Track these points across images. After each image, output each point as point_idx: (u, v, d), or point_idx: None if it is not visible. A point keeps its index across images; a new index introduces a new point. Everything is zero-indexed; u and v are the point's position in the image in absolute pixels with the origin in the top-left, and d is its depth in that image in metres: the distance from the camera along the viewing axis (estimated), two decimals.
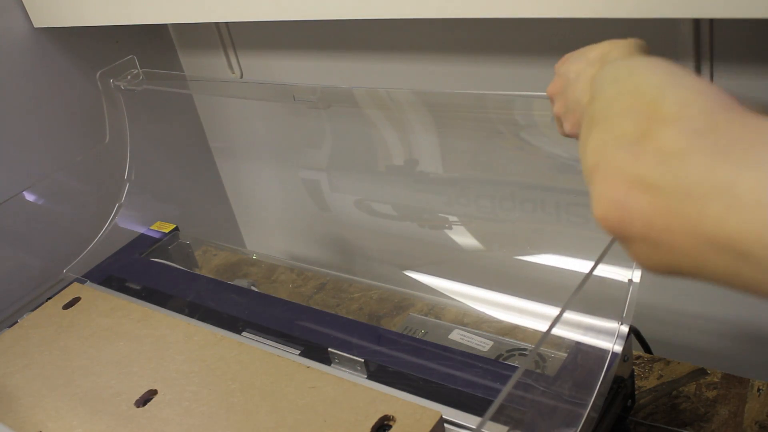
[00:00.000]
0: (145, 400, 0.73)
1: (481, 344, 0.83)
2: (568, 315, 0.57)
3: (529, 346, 0.82)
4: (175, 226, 1.09)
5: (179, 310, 0.90)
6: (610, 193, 0.34)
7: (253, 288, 1.02)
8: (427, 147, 1.07)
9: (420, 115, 1.04)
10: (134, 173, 1.16)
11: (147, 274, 1.00)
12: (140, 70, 1.06)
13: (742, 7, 0.54)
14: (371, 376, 0.73)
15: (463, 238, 1.06)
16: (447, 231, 1.08)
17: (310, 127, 1.24)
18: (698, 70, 0.78)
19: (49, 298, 0.96)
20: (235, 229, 1.52)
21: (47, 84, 1.13)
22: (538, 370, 0.75)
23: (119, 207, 1.13)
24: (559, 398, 0.65)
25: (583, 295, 0.57)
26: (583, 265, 0.75)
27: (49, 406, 0.76)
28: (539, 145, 0.90)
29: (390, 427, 0.62)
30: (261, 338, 0.83)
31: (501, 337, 0.84)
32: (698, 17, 0.73)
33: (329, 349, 0.76)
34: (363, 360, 0.73)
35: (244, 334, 0.84)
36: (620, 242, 0.36)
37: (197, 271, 1.10)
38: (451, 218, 1.07)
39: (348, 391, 0.68)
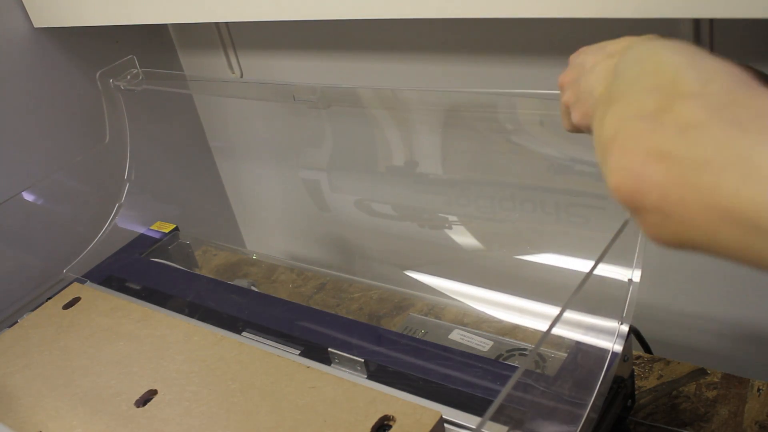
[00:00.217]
0: (145, 400, 0.73)
1: (481, 344, 0.83)
2: (568, 315, 0.57)
3: (529, 346, 0.82)
4: (175, 226, 1.09)
5: (179, 310, 0.90)
6: (626, 163, 0.34)
7: (253, 288, 1.02)
8: (427, 147, 1.07)
9: (420, 115, 1.04)
10: (134, 173, 1.16)
11: (147, 274, 1.00)
12: (140, 70, 1.06)
13: (742, 7, 0.54)
14: (371, 376, 0.73)
15: (463, 238, 1.06)
16: (447, 231, 1.08)
17: (310, 127, 1.24)
18: None
19: (49, 298, 0.96)
20: (235, 229, 1.52)
21: (47, 84, 1.13)
22: (538, 370, 0.75)
23: (119, 207, 1.13)
24: (559, 398, 0.65)
25: (583, 294, 0.57)
26: (583, 265, 0.75)
27: (49, 406, 0.76)
28: (539, 146, 0.90)
29: (390, 427, 0.62)
30: (261, 338, 0.83)
31: (501, 337, 0.84)
32: (698, 17, 0.73)
33: (329, 349, 0.76)
34: (363, 360, 0.73)
35: (244, 334, 0.84)
36: (632, 213, 0.35)
37: (197, 271, 1.10)
38: (451, 218, 1.07)
39: (348, 391, 0.68)
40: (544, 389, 0.66)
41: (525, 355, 0.80)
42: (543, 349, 0.77)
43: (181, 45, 1.33)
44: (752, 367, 0.93)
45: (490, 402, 0.59)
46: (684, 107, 0.33)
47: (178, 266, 1.04)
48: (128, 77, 1.06)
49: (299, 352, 0.79)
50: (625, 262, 0.63)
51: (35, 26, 1.10)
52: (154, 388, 0.75)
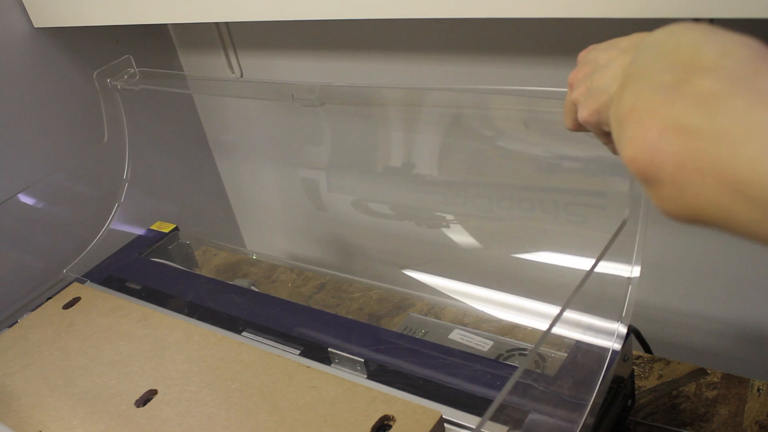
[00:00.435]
0: (145, 400, 0.73)
1: (481, 344, 0.83)
2: (568, 314, 0.57)
3: (529, 345, 0.82)
4: (175, 226, 1.09)
5: (179, 310, 0.90)
6: (643, 134, 0.34)
7: (253, 288, 1.02)
8: (425, 146, 1.07)
9: (419, 114, 1.04)
10: (134, 173, 1.16)
11: (147, 274, 1.00)
12: (137, 70, 1.06)
13: (742, 7, 0.54)
14: (371, 376, 0.73)
15: (462, 237, 1.06)
16: (445, 230, 1.08)
17: (310, 126, 1.24)
18: None
19: (49, 298, 0.96)
20: (235, 229, 1.52)
21: (47, 84, 1.13)
22: (538, 370, 0.75)
23: (119, 207, 1.13)
24: (559, 398, 0.65)
25: (583, 294, 0.57)
26: (582, 264, 0.75)
27: (49, 406, 0.76)
28: (537, 144, 0.90)
29: (390, 427, 0.62)
30: (261, 338, 0.83)
31: (501, 337, 0.84)
32: (698, 17, 0.73)
33: (329, 349, 0.76)
34: (363, 360, 0.73)
35: (244, 334, 0.84)
36: (646, 186, 0.35)
37: (197, 271, 1.10)
38: (449, 217, 1.07)
39: (348, 391, 0.68)
40: (543, 389, 0.66)
41: (525, 354, 0.80)
42: (543, 349, 0.77)
43: (181, 45, 1.33)
44: (752, 367, 0.93)
45: (490, 402, 0.59)
46: (702, 79, 0.33)
47: (178, 266, 1.04)
48: (125, 77, 1.06)
49: (299, 352, 0.79)
50: (625, 260, 0.63)
51: (35, 26, 1.10)
52: (154, 388, 0.75)
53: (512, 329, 0.88)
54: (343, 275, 1.11)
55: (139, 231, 1.11)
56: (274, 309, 0.87)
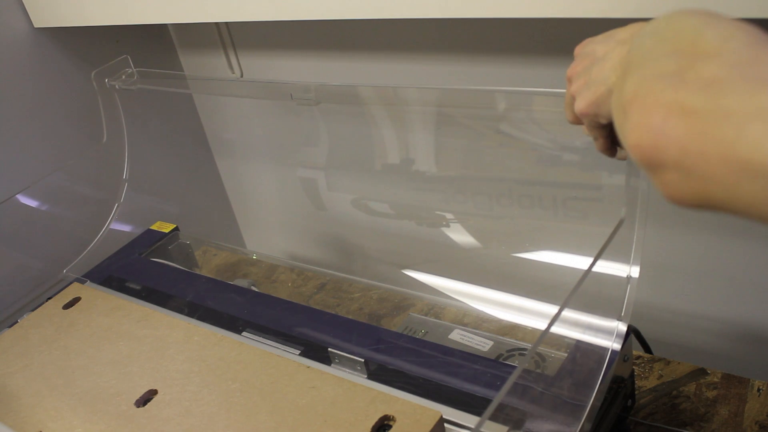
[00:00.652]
0: (145, 400, 0.73)
1: (481, 344, 0.83)
2: (567, 313, 0.57)
3: (529, 345, 0.82)
4: (175, 226, 1.09)
5: (179, 310, 0.90)
6: (646, 119, 0.34)
7: (253, 288, 1.02)
8: (424, 144, 1.07)
9: (417, 113, 1.04)
10: (134, 173, 1.16)
11: (147, 274, 1.00)
12: (134, 70, 1.07)
13: (742, 7, 0.54)
14: (371, 376, 0.73)
15: (461, 236, 1.06)
16: (445, 229, 1.08)
17: (309, 126, 1.24)
18: None
19: (49, 298, 0.96)
20: (235, 229, 1.52)
21: (47, 84, 1.13)
22: (538, 370, 0.75)
23: (118, 207, 1.13)
24: (559, 398, 0.65)
25: (582, 293, 0.57)
26: (582, 262, 0.75)
27: (49, 406, 0.76)
28: (535, 141, 0.90)
29: (390, 427, 0.62)
30: (261, 338, 0.83)
31: (501, 337, 0.84)
32: None
33: (329, 349, 0.76)
34: (363, 360, 0.73)
35: (244, 334, 0.84)
36: (651, 173, 0.35)
37: (197, 271, 1.10)
38: (449, 216, 1.07)
39: (348, 391, 0.68)
40: (543, 389, 0.66)
41: (525, 354, 0.80)
42: (542, 349, 0.77)
43: (181, 45, 1.33)
44: (752, 367, 0.93)
45: (489, 402, 0.59)
46: (705, 65, 0.33)
47: (178, 266, 1.04)
48: (123, 77, 1.06)
49: (299, 352, 0.79)
50: (623, 258, 0.63)
51: (35, 26, 1.10)
52: (154, 388, 0.75)
53: (512, 329, 0.88)
54: (343, 275, 1.11)
55: (139, 231, 1.11)
56: (274, 309, 0.87)
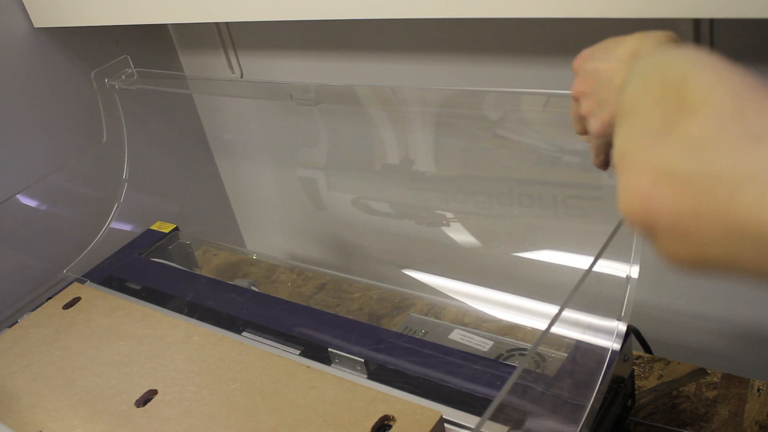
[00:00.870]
0: (145, 400, 0.73)
1: (481, 344, 0.83)
2: (567, 313, 0.57)
3: (529, 345, 0.82)
4: (175, 226, 1.09)
5: (179, 310, 0.90)
6: (634, 185, 0.34)
7: (253, 288, 1.02)
8: (423, 144, 1.07)
9: (417, 113, 1.04)
10: (134, 173, 1.16)
11: (147, 274, 1.00)
12: (134, 70, 1.07)
13: (742, 7, 0.54)
14: (371, 376, 0.73)
15: (461, 235, 1.06)
16: (445, 229, 1.08)
17: (309, 126, 1.24)
18: None
19: (49, 298, 0.96)
20: (235, 229, 1.52)
21: (47, 84, 1.13)
22: (538, 370, 0.75)
23: (118, 207, 1.13)
24: (559, 398, 0.65)
25: (582, 293, 0.57)
26: (582, 261, 0.75)
27: (49, 406, 0.76)
28: (535, 141, 0.91)
29: (390, 427, 0.62)
30: (261, 338, 0.83)
31: (501, 337, 0.84)
32: (698, 17, 0.73)
33: (329, 349, 0.76)
34: (363, 360, 0.73)
35: (244, 334, 0.84)
36: (647, 237, 0.35)
37: (197, 271, 1.10)
38: (449, 215, 1.07)
39: (348, 391, 0.68)
40: (543, 389, 0.66)
41: (525, 354, 0.80)
42: (542, 349, 0.77)
43: (181, 45, 1.33)
44: (752, 367, 0.93)
45: (490, 402, 0.59)
46: (690, 122, 0.32)
47: (178, 266, 1.04)
48: (123, 77, 1.06)
49: (299, 352, 0.79)
50: (623, 258, 0.63)
51: (35, 26, 1.10)
52: (154, 388, 0.75)
53: (512, 329, 0.88)
54: (343, 275, 1.11)
55: (139, 231, 1.11)
56: (274, 309, 0.87)
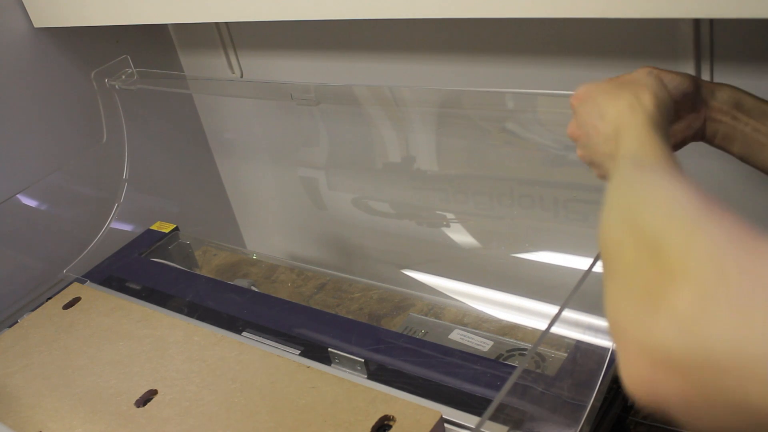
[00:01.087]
0: (145, 400, 0.73)
1: (481, 344, 0.83)
2: (567, 314, 0.57)
3: (529, 345, 0.82)
4: (175, 226, 1.09)
5: (179, 310, 0.90)
6: (634, 367, 0.33)
7: (253, 288, 1.02)
8: (424, 144, 1.07)
9: (417, 112, 1.04)
10: (134, 173, 1.16)
11: (147, 274, 1.00)
12: (134, 70, 1.06)
13: (742, 7, 0.54)
14: (371, 376, 0.73)
15: (461, 236, 1.06)
16: (445, 229, 1.08)
17: (309, 126, 1.24)
18: (698, 70, 0.78)
19: (49, 298, 0.96)
20: (235, 229, 1.52)
21: (47, 84, 1.13)
22: (538, 370, 0.75)
23: (118, 207, 1.13)
24: (559, 398, 0.65)
25: (582, 293, 0.57)
26: (582, 262, 0.75)
27: (49, 406, 0.76)
28: (536, 141, 0.90)
29: (390, 427, 0.62)
30: (261, 338, 0.83)
31: (501, 337, 0.84)
32: (698, 17, 0.73)
33: (329, 349, 0.76)
34: (363, 360, 0.73)
35: (244, 334, 0.84)
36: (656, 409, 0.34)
37: (197, 271, 1.10)
38: (449, 216, 1.07)
39: (348, 391, 0.68)
40: (543, 389, 0.66)
41: (525, 354, 0.80)
42: (542, 349, 0.77)
43: (181, 45, 1.33)
44: None
45: (490, 402, 0.59)
46: (674, 294, 0.31)
47: (178, 266, 1.04)
48: (123, 77, 1.06)
49: (299, 352, 0.79)
50: None
51: (35, 26, 1.10)
52: (154, 388, 0.75)
53: (512, 329, 0.88)
54: (343, 275, 1.11)
55: (139, 231, 1.11)
56: (274, 309, 0.87)
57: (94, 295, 0.94)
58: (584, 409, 0.60)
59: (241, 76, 1.26)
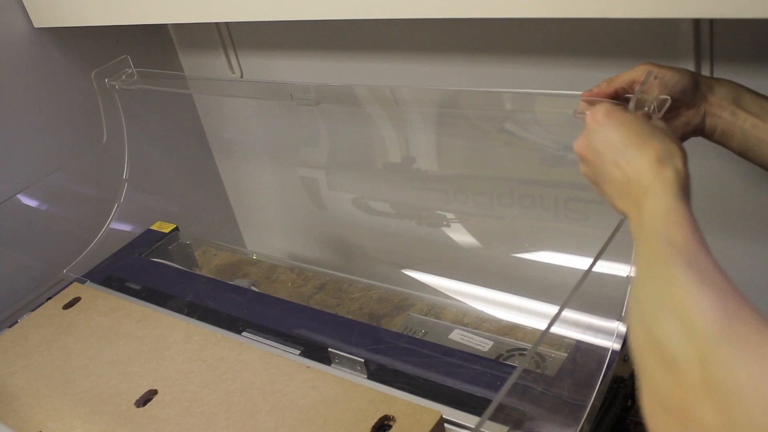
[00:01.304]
0: (145, 400, 0.73)
1: (481, 344, 0.83)
2: (567, 314, 0.57)
3: (529, 345, 0.82)
4: (175, 226, 1.09)
5: (179, 310, 0.90)
6: None
7: (253, 288, 1.02)
8: (424, 144, 1.07)
9: (417, 112, 1.04)
10: (135, 173, 1.16)
11: (147, 274, 1.00)
12: (134, 70, 1.06)
13: (742, 7, 0.54)
14: (371, 376, 0.73)
15: (461, 236, 1.06)
16: (445, 229, 1.08)
17: (309, 126, 1.24)
18: (698, 70, 0.78)
19: (49, 298, 0.96)
20: (235, 229, 1.52)
21: (47, 84, 1.13)
22: (538, 370, 0.75)
23: (119, 207, 1.13)
24: (559, 398, 0.65)
25: (582, 293, 0.57)
26: (582, 262, 0.75)
27: (49, 406, 0.76)
28: (535, 141, 0.90)
29: (390, 427, 0.62)
30: (261, 338, 0.83)
31: (501, 337, 0.84)
32: (698, 17, 0.73)
33: (329, 349, 0.76)
34: (363, 360, 0.73)
35: (244, 334, 0.84)
36: None
37: (197, 271, 1.10)
38: (449, 216, 1.07)
39: (348, 391, 0.68)
40: (543, 389, 0.66)
41: (525, 354, 0.80)
42: (542, 349, 0.77)
43: (181, 45, 1.33)
44: None
45: (490, 402, 0.59)
46: (700, 413, 0.33)
47: (178, 266, 1.04)
48: (123, 77, 1.06)
49: (299, 352, 0.79)
50: (623, 259, 0.63)
51: (35, 26, 1.10)
52: (154, 388, 0.75)
53: (512, 329, 0.88)
54: (343, 275, 1.11)
55: (139, 231, 1.11)
56: (274, 309, 0.87)
57: (94, 295, 0.94)
58: (584, 409, 0.60)
59: (241, 76, 1.26)
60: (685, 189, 0.47)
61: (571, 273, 0.84)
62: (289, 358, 0.75)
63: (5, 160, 1.08)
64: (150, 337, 0.83)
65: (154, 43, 1.29)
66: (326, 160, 1.24)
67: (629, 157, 0.49)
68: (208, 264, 1.20)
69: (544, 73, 0.92)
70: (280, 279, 1.15)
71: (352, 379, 0.70)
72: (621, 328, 0.64)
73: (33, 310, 0.94)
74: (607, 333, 0.64)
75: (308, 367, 0.72)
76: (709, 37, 0.76)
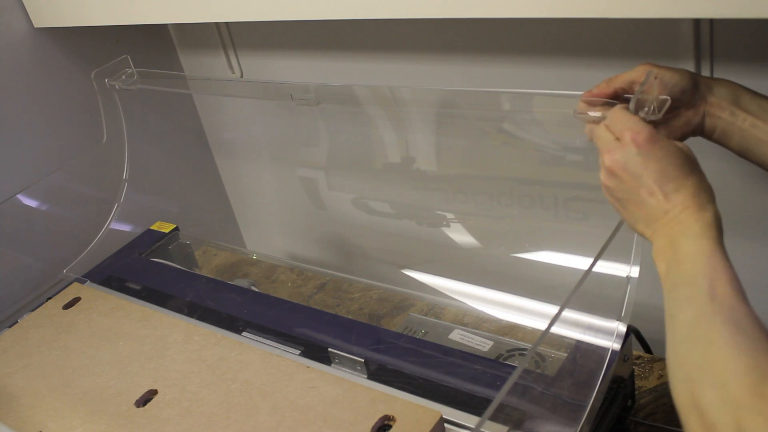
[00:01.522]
0: (145, 400, 0.73)
1: (481, 344, 0.83)
2: (567, 314, 0.57)
3: (529, 345, 0.82)
4: (175, 226, 1.09)
5: (179, 310, 0.90)
6: None
7: (253, 288, 1.02)
8: (424, 144, 1.07)
9: (417, 112, 1.04)
10: (134, 173, 1.16)
11: (147, 274, 1.00)
12: (134, 70, 1.06)
13: (742, 7, 0.54)
14: (371, 376, 0.73)
15: (461, 236, 1.06)
16: (445, 229, 1.08)
17: (310, 126, 1.24)
18: (698, 70, 0.78)
19: (49, 298, 0.96)
20: (235, 229, 1.52)
21: (47, 84, 1.13)
22: (538, 370, 0.75)
23: (118, 207, 1.13)
24: (559, 398, 0.65)
25: (582, 293, 0.57)
26: (582, 262, 0.75)
27: (49, 406, 0.76)
28: (535, 141, 0.90)
29: (390, 427, 0.62)
30: (261, 338, 0.83)
31: (501, 337, 0.84)
32: (698, 17, 0.73)
33: (329, 349, 0.76)
34: (363, 360, 0.73)
35: (244, 334, 0.84)
36: None
37: (197, 271, 1.10)
38: (449, 216, 1.07)
39: (348, 391, 0.68)
40: (543, 389, 0.66)
41: (525, 354, 0.80)
42: (542, 349, 0.77)
43: (181, 45, 1.33)
44: None
45: (490, 402, 0.59)
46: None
47: (178, 266, 1.04)
48: (123, 77, 1.06)
49: (299, 352, 0.79)
50: (623, 259, 0.63)
51: (35, 26, 1.10)
52: (154, 388, 0.75)
53: (512, 329, 0.88)
54: (343, 275, 1.11)
55: (139, 231, 1.11)
56: (274, 309, 0.87)
57: (94, 295, 0.94)
58: (584, 409, 0.60)
59: (241, 76, 1.26)
60: (721, 232, 0.49)
61: (571, 273, 0.84)
62: (289, 358, 0.75)
63: (5, 160, 1.08)
64: (150, 337, 0.83)
65: (154, 43, 1.29)
66: (326, 160, 1.24)
67: (668, 190, 0.51)
68: (208, 264, 1.20)
69: (543, 73, 0.92)
70: (280, 279, 1.15)
71: (352, 379, 0.70)
72: (621, 328, 0.64)
73: (33, 310, 0.94)
74: (607, 333, 0.64)
75: (308, 367, 0.72)
76: (709, 37, 0.76)
